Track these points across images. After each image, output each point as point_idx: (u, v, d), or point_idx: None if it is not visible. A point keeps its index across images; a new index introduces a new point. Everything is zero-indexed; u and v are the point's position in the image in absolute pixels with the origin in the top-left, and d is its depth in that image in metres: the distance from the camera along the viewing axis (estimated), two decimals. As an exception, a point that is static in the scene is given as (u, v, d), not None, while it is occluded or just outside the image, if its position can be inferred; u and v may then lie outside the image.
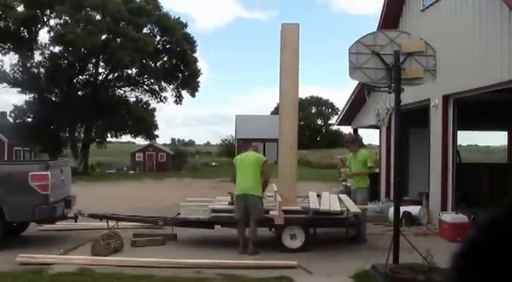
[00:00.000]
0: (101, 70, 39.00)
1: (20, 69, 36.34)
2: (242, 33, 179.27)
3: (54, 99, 37.94)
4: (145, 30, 37.59)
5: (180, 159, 46.41)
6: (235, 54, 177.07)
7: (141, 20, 35.82)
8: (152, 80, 40.57)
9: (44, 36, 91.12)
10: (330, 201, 9.45)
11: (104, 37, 35.20)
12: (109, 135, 41.24)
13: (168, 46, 39.38)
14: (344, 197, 10.07)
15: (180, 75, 40.34)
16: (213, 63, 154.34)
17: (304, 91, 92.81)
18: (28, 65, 36.12)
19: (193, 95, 41.23)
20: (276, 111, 58.72)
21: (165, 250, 8.73)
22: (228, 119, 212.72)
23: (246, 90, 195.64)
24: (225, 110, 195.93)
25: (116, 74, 39.46)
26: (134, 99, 40.91)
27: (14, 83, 36.39)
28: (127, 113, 38.20)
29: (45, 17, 35.37)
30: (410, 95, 9.59)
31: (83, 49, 32.47)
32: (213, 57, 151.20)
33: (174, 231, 9.75)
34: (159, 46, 39.03)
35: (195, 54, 40.33)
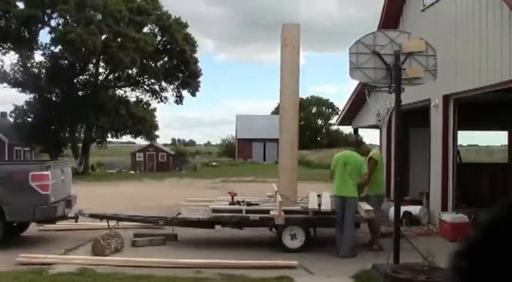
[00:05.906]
0: (101, 70, 39.03)
1: (21, 69, 36.31)
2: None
3: (54, 99, 37.85)
4: (145, 30, 37.56)
5: (181, 159, 46.42)
6: (235, 54, 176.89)
7: (141, 19, 35.79)
8: (152, 80, 40.56)
9: (44, 36, 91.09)
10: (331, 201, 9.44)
11: (104, 37, 35.15)
12: (109, 135, 41.22)
13: (168, 46, 39.37)
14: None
15: (180, 75, 40.33)
16: (213, 62, 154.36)
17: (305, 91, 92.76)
18: (28, 64, 36.09)
19: (194, 95, 41.28)
20: (276, 111, 58.69)
21: (165, 250, 8.74)
22: (228, 119, 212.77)
23: (247, 90, 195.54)
24: (226, 110, 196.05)
25: (116, 74, 39.43)
26: (134, 99, 40.93)
27: (14, 83, 36.35)
28: (127, 113, 38.14)
29: (45, 17, 35.33)
30: (410, 95, 9.59)
31: (83, 49, 32.41)
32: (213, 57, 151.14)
33: (175, 231, 9.76)
34: (159, 46, 39.02)
35: (196, 55, 40.40)
